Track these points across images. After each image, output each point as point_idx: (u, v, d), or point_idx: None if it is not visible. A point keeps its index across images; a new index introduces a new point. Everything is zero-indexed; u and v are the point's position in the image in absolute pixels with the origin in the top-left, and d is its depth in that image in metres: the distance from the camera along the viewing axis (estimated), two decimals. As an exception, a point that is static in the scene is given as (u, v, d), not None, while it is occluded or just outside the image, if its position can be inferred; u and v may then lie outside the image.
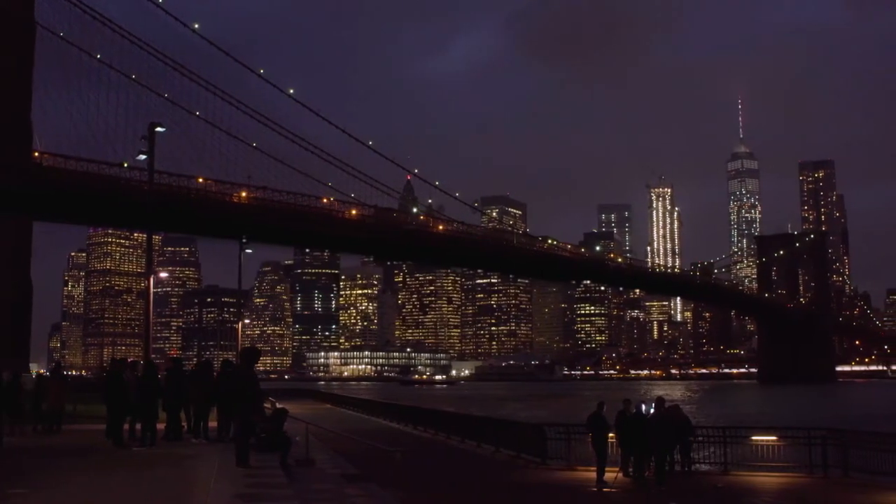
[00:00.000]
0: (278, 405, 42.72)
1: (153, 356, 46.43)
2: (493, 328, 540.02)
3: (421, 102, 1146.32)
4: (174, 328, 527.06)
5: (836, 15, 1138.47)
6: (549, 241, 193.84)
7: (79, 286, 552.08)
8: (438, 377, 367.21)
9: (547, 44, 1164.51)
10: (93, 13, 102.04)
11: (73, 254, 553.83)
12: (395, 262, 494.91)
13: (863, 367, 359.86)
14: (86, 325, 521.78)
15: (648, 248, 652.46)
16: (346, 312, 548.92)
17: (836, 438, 27.40)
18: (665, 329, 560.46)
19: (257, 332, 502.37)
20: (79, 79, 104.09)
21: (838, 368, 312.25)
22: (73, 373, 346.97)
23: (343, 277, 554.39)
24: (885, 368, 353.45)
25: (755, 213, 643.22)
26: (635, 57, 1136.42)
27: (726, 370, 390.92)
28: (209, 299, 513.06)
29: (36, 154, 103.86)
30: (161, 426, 28.50)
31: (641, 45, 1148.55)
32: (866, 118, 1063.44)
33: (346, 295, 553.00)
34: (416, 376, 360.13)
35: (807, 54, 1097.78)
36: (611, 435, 26.68)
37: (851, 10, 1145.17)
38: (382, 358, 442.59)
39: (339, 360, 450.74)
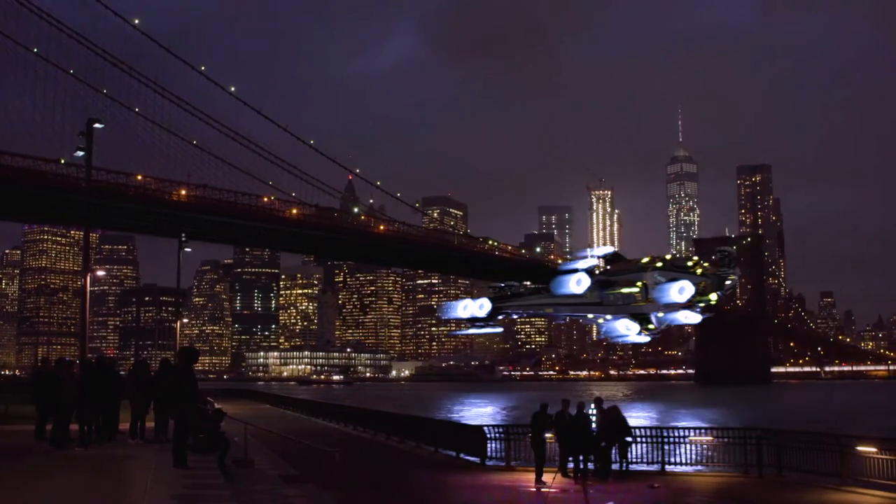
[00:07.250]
0: (217, 405, 42.40)
1: (89, 356, 45.83)
2: (434, 328, 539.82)
3: (360, 101, 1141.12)
4: (111, 327, 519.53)
5: (747, 17, 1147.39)
6: (490, 242, 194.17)
7: (13, 284, 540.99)
8: (336, 377, 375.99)
9: (478, 44, 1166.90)
10: (30, 6, 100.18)
11: (7, 251, 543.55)
12: (335, 262, 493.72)
13: (797, 369, 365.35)
14: (20, 323, 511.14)
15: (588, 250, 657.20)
16: (286, 312, 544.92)
17: (770, 438, 27.86)
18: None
19: (196, 331, 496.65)
20: (14, 73, 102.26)
21: (773, 370, 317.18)
22: (6, 372, 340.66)
23: (283, 277, 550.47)
24: (818, 370, 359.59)
25: (694, 216, 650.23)
26: (561, 58, 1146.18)
27: (664, 371, 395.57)
28: (147, 298, 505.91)
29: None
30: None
31: (560, 46, 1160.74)
32: (800, 123, 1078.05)
33: (286, 294, 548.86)
34: (315, 377, 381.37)
35: (728, 58, 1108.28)
36: (549, 435, 26.84)
37: (761, 13, 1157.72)
38: (322, 358, 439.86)
39: (278, 361, 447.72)
